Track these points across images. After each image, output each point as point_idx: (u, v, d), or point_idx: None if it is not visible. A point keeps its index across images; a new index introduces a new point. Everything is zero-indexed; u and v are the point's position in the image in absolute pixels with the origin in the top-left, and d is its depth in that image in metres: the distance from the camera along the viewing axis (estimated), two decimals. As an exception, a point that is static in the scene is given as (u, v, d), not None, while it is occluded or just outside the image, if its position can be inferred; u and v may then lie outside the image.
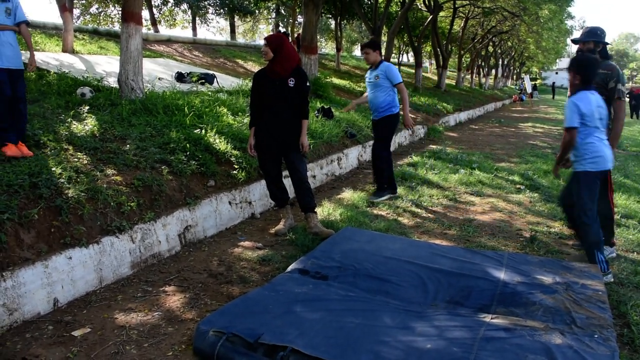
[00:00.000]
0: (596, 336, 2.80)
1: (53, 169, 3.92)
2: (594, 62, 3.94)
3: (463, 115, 18.17)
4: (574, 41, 4.43)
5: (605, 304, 3.22)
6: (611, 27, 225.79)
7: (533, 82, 44.12)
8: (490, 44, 36.00)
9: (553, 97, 44.79)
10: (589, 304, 3.21)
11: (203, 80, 9.89)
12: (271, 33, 35.94)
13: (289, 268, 3.78)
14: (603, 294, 3.37)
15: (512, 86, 51.78)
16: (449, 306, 3.26)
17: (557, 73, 68.15)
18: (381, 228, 5.02)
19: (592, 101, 3.88)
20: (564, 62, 50.41)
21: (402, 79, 6.08)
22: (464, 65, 32.42)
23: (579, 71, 3.92)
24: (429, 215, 5.66)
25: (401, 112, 6.13)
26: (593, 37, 4.25)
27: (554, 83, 52.55)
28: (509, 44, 38.56)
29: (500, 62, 43.59)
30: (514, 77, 59.38)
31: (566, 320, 3.01)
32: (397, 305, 3.21)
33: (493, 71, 44.58)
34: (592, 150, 3.90)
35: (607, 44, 4.31)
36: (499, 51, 41.48)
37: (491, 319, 3.03)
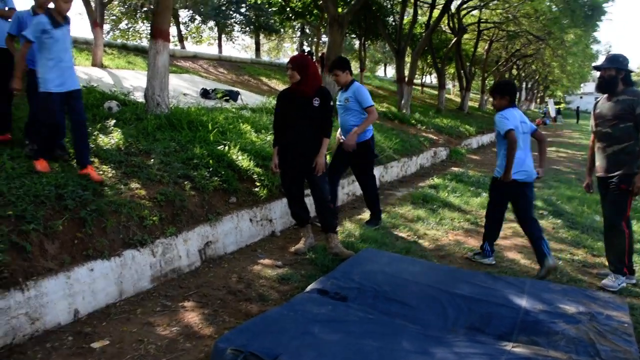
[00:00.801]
0: (622, 370, 2.73)
1: (79, 181, 3.99)
2: (515, 85, 4.74)
3: (485, 138, 18.02)
4: (596, 67, 4.40)
5: (631, 337, 3.13)
6: (638, 53, 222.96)
7: (557, 106, 43.57)
8: (514, 67, 35.84)
9: (577, 122, 44.17)
10: (614, 336, 3.13)
11: (227, 97, 10.00)
12: (295, 52, 36.37)
13: (308, 288, 3.76)
14: (629, 326, 3.28)
15: (536, 110, 51.39)
16: (469, 332, 3.20)
17: (581, 97, 67.44)
18: (401, 250, 4.97)
19: (517, 116, 4.48)
20: (589, 87, 49.84)
21: (373, 102, 5.43)
22: (487, 87, 32.32)
23: (506, 93, 4.54)
24: (450, 238, 5.60)
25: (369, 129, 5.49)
26: (615, 64, 4.22)
27: (578, 107, 51.83)
28: (533, 67, 38.37)
29: (524, 86, 43.39)
30: (538, 100, 58.98)
31: (590, 352, 2.93)
32: (416, 330, 3.17)
33: (517, 94, 44.35)
34: None
35: (631, 71, 4.27)
36: (523, 74, 41.29)
37: (512, 347, 2.97)
